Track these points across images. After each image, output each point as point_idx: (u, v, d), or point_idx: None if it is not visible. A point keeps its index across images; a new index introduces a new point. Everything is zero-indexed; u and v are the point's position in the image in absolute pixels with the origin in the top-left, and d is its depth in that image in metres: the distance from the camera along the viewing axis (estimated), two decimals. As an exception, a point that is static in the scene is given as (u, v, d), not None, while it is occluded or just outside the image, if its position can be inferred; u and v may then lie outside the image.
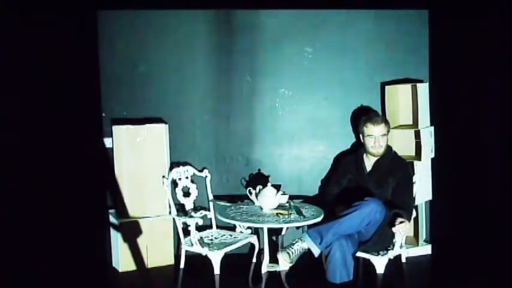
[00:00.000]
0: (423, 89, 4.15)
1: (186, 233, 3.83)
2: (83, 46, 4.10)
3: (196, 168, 4.22)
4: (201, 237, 3.90)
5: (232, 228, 4.16)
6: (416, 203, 3.99)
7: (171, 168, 4.09)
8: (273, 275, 3.72)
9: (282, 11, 4.32)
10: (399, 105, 4.32)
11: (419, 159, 4.10)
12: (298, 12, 4.33)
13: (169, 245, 4.10)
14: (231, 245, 3.84)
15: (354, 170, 3.91)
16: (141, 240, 4.02)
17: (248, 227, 4.08)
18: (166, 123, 4.18)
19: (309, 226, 3.59)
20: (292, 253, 3.39)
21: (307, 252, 3.40)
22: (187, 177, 4.15)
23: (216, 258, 3.71)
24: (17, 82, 3.28)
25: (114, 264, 4.07)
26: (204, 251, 3.74)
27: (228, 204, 4.05)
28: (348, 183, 3.90)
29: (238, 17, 4.33)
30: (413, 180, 3.90)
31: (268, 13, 4.32)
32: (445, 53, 4.26)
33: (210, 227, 4.21)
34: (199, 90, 4.35)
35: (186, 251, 3.90)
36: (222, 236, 4.06)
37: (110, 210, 4.13)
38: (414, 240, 4.29)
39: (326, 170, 4.36)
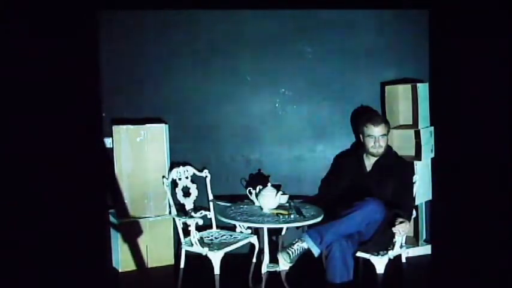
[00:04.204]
0: (423, 89, 4.15)
1: (186, 233, 3.83)
2: (83, 46, 4.10)
3: (196, 168, 4.21)
4: (201, 237, 3.90)
5: (232, 228, 4.16)
6: (416, 203, 3.99)
7: (171, 168, 4.09)
8: (273, 275, 3.73)
9: (282, 11, 4.32)
10: (399, 105, 4.32)
11: (419, 159, 4.10)
12: (299, 12, 4.33)
13: (169, 245, 4.10)
14: (231, 245, 3.84)
15: (354, 170, 3.91)
16: (141, 240, 4.02)
17: (248, 227, 4.09)
18: (166, 123, 4.18)
19: (309, 226, 3.59)
20: (292, 253, 3.38)
21: (307, 252, 3.40)
22: (187, 177, 4.15)
23: (216, 258, 3.70)
24: (17, 82, 3.28)
25: (114, 264, 4.07)
26: (204, 251, 3.74)
27: (228, 204, 4.05)
28: (347, 183, 3.90)
29: (238, 16, 4.33)
30: (414, 180, 3.90)
31: (269, 13, 4.32)
32: (445, 53, 4.26)
33: (210, 227, 4.21)
34: (199, 90, 4.35)
35: (186, 251, 3.90)
36: (222, 236, 4.06)
37: (110, 210, 4.13)
38: (414, 240, 4.29)
39: (326, 170, 4.36)
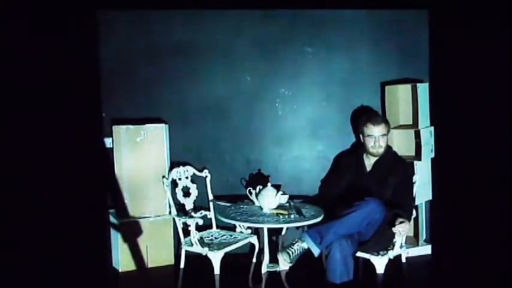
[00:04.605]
0: (423, 89, 4.15)
1: (186, 233, 3.83)
2: (83, 46, 4.10)
3: (196, 168, 4.21)
4: (201, 237, 3.90)
5: (232, 228, 4.16)
6: (416, 203, 3.99)
7: (171, 168, 4.09)
8: (273, 275, 3.73)
9: (282, 10, 4.32)
10: (399, 105, 4.32)
11: (419, 159, 4.10)
12: (298, 12, 4.33)
13: (169, 245, 4.10)
14: (231, 245, 3.84)
15: (354, 170, 3.91)
16: (141, 240, 4.02)
17: (248, 227, 4.08)
18: (166, 123, 4.18)
19: (309, 226, 3.59)
20: (292, 253, 3.39)
21: (307, 252, 3.40)
22: (187, 177, 4.15)
23: (216, 258, 3.71)
24: (17, 82, 3.28)
25: (114, 264, 4.07)
26: (204, 251, 3.74)
27: (228, 204, 4.05)
28: (347, 183, 3.90)
29: (238, 16, 4.33)
30: (414, 180, 3.90)
31: (268, 13, 4.32)
32: (445, 53, 4.26)
33: (210, 227, 4.21)
34: (199, 90, 4.35)
35: (186, 251, 3.90)
36: (222, 236, 4.06)
37: (110, 210, 4.13)
38: (414, 240, 4.29)
39: (326, 170, 4.36)
